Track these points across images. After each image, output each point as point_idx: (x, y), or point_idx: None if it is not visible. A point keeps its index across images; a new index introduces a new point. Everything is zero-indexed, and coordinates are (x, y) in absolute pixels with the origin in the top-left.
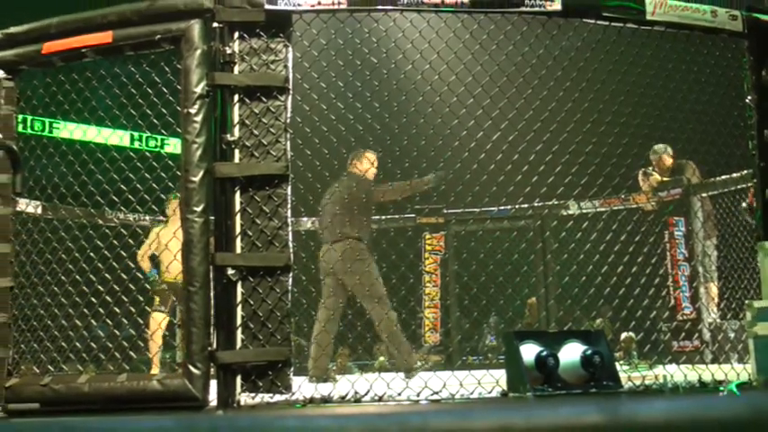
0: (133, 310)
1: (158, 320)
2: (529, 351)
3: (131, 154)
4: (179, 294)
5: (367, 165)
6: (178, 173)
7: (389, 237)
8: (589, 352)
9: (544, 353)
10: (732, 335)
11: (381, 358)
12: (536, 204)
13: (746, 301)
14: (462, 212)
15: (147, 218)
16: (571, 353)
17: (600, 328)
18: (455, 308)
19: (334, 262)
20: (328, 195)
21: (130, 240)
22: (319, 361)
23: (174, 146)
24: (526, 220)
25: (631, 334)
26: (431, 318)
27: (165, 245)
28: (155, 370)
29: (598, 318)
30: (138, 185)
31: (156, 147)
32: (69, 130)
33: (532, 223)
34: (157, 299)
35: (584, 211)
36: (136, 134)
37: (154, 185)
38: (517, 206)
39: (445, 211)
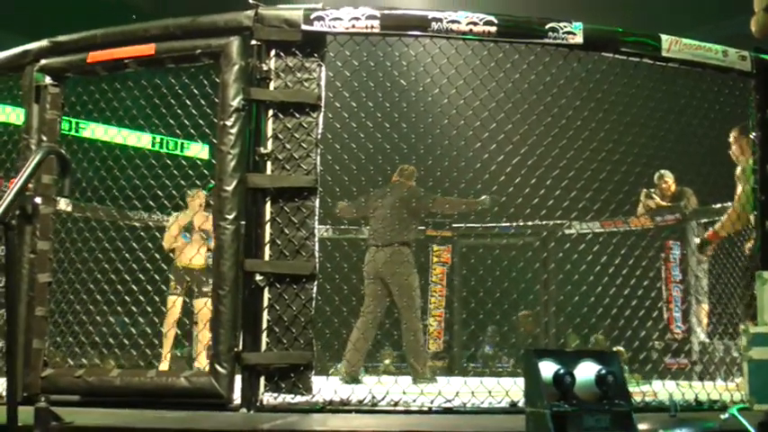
0: (149, 308)
1: (171, 303)
2: (547, 368)
3: (152, 158)
4: (194, 279)
5: (413, 179)
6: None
7: None
8: (603, 372)
9: (562, 371)
10: (719, 355)
11: (387, 361)
12: (539, 223)
13: (742, 327)
14: (468, 228)
15: (167, 218)
16: (586, 371)
17: (614, 350)
18: (457, 318)
19: (381, 263)
20: (378, 200)
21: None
22: (355, 365)
23: (194, 150)
24: (527, 238)
25: (621, 348)
26: (434, 326)
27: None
28: (164, 365)
29: (591, 333)
30: (158, 186)
31: (175, 149)
32: (93, 130)
33: (534, 241)
34: (173, 282)
35: (583, 231)
36: (157, 137)
37: (172, 187)
38: (521, 224)
39: (453, 226)
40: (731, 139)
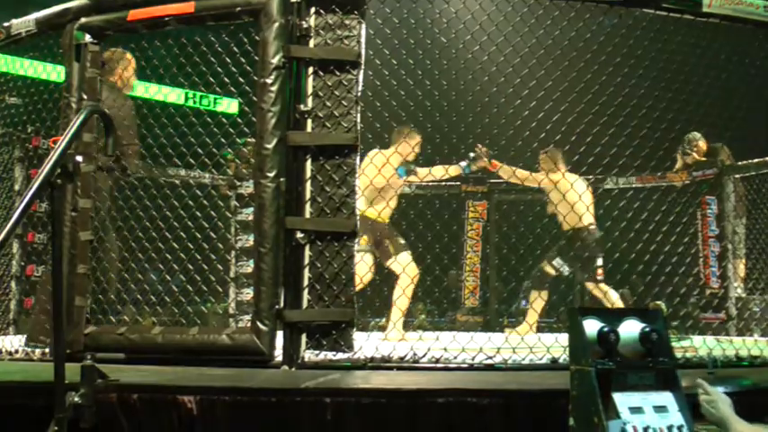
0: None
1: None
2: (591, 326)
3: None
4: (378, 229)
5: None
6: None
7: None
8: (647, 329)
9: (606, 329)
10: (757, 310)
11: (422, 316)
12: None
13: None
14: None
15: (207, 176)
16: (630, 329)
17: (654, 305)
18: (493, 273)
19: None
20: None
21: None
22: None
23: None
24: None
25: (661, 303)
26: (470, 281)
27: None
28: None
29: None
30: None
31: (208, 106)
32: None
33: None
34: (364, 237)
35: (623, 187)
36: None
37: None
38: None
39: (489, 182)
40: None
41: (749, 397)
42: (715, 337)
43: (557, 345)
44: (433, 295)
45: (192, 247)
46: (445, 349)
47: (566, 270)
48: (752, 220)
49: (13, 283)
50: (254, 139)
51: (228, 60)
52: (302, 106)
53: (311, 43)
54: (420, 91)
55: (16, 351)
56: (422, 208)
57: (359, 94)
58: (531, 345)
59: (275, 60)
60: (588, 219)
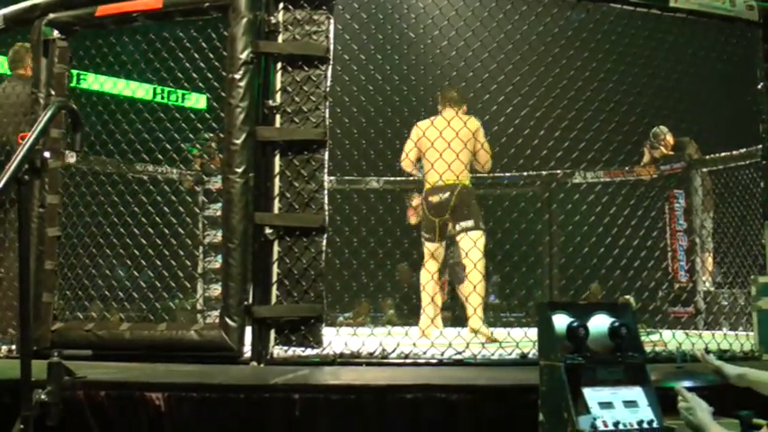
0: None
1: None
2: (560, 321)
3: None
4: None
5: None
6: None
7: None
8: (617, 324)
9: (575, 323)
10: (725, 303)
11: (391, 311)
12: (544, 173)
13: (751, 276)
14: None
15: (174, 171)
16: (599, 324)
17: (623, 300)
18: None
19: None
20: None
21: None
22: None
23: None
24: (534, 189)
25: (630, 297)
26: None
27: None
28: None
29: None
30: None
31: (176, 101)
32: (100, 83)
33: (540, 192)
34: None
35: (591, 181)
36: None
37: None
38: (527, 174)
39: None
40: None
41: (718, 391)
42: (684, 332)
43: (526, 340)
44: (402, 291)
45: (159, 242)
46: (414, 344)
47: None
48: (719, 213)
49: None
50: (219, 135)
51: (197, 56)
52: (271, 102)
53: (279, 39)
54: (389, 86)
55: None
56: (374, 203)
57: (327, 89)
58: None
59: (243, 56)
60: None
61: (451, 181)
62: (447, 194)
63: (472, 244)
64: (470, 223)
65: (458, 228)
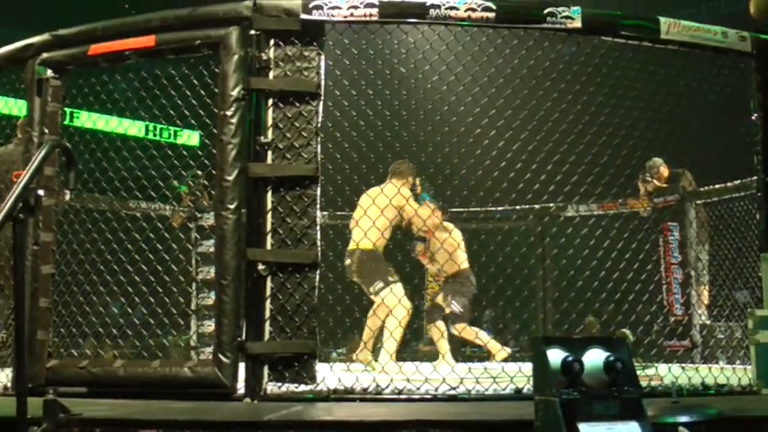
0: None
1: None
2: (555, 355)
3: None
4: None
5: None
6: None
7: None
8: (611, 358)
9: (570, 358)
10: (722, 337)
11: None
12: (537, 206)
13: (749, 310)
14: (467, 212)
15: (167, 207)
16: (594, 358)
17: (619, 333)
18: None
19: None
20: None
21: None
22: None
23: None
24: (527, 222)
25: (627, 331)
26: None
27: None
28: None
29: (597, 317)
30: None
31: (168, 138)
32: (93, 120)
33: (533, 225)
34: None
35: (584, 214)
36: (150, 125)
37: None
38: (519, 207)
39: (451, 210)
40: None
41: (715, 426)
42: (680, 365)
43: (520, 374)
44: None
45: (152, 279)
46: (408, 380)
47: (456, 307)
48: (714, 246)
49: None
50: (203, 173)
51: (189, 93)
52: (262, 138)
53: (271, 75)
54: (380, 121)
55: None
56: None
57: (319, 125)
58: (494, 375)
59: (235, 93)
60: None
61: (352, 248)
62: (348, 261)
63: (391, 301)
64: (379, 285)
65: (371, 290)
